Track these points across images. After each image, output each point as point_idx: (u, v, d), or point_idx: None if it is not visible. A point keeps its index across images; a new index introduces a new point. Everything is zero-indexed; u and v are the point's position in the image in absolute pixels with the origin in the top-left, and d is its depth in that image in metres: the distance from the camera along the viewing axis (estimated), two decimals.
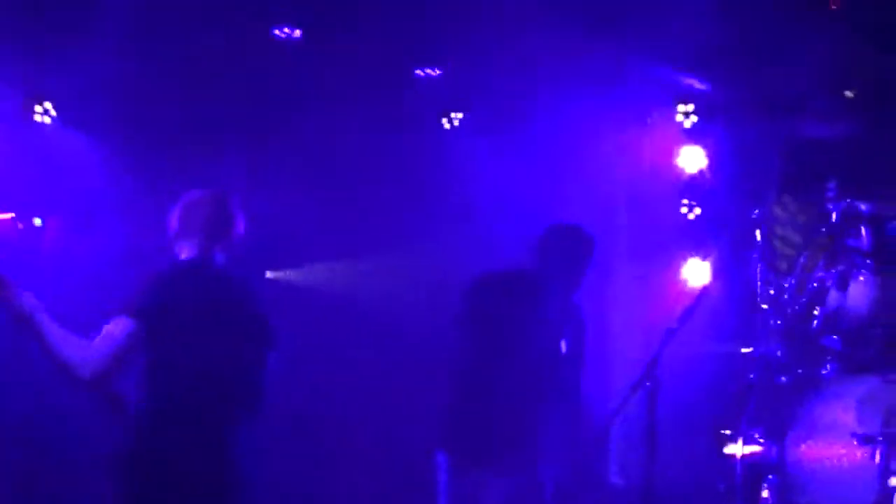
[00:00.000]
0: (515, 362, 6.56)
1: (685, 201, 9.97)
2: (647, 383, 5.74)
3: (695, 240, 9.75)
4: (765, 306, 6.56)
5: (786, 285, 6.60)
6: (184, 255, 5.53)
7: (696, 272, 9.59)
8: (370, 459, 10.21)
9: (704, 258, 9.49)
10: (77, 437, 8.62)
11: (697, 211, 9.92)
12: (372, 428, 10.41)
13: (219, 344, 5.35)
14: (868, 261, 6.43)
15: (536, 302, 6.62)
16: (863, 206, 6.39)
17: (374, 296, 10.86)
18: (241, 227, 5.68)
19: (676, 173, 9.98)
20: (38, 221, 9.20)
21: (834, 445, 6.18)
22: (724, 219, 9.21)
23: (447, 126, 10.23)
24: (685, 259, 9.73)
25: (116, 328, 5.09)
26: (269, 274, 10.69)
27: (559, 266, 6.73)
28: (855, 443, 6.06)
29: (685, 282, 9.65)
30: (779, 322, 6.52)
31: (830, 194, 6.56)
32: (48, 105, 9.24)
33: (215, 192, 5.71)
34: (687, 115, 9.81)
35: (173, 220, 5.60)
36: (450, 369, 6.87)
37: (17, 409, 9.03)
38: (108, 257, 9.02)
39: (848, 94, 9.03)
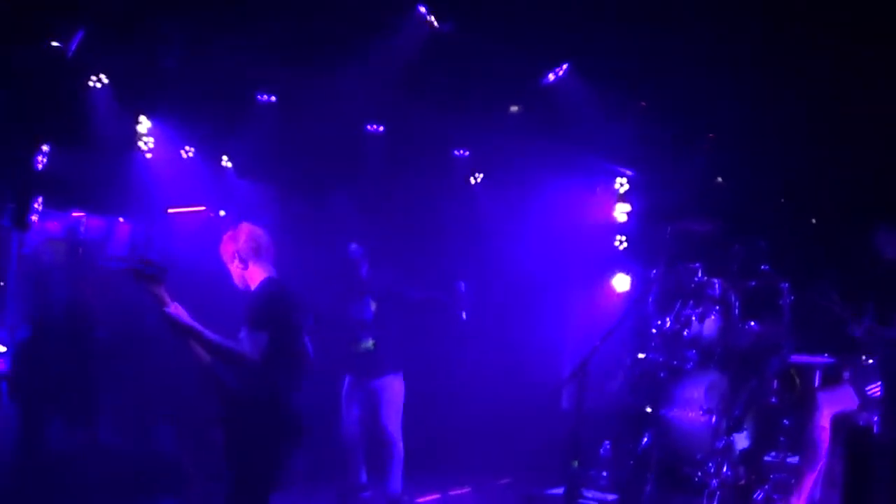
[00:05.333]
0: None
1: (618, 237, 10.27)
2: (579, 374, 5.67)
3: (622, 262, 10.05)
4: (654, 331, 6.92)
5: (667, 318, 6.95)
6: (266, 274, 5.07)
7: (621, 282, 9.93)
8: None
9: (626, 273, 9.96)
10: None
11: (625, 244, 10.26)
12: None
13: (300, 333, 5.14)
14: (717, 307, 6.90)
15: None
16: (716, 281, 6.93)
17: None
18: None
19: (613, 220, 10.24)
20: (222, 213, 9.49)
21: (689, 412, 6.69)
22: (637, 253, 9.67)
23: (472, 182, 10.44)
24: (615, 273, 10.01)
25: (260, 337, 4.84)
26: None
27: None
28: (701, 412, 6.62)
29: (614, 288, 9.93)
30: (660, 340, 6.88)
31: (696, 266, 6.98)
32: (226, 157, 9.47)
33: (260, 227, 5.22)
34: (621, 185, 10.14)
35: (243, 246, 5.08)
36: None
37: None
38: None
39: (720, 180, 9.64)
